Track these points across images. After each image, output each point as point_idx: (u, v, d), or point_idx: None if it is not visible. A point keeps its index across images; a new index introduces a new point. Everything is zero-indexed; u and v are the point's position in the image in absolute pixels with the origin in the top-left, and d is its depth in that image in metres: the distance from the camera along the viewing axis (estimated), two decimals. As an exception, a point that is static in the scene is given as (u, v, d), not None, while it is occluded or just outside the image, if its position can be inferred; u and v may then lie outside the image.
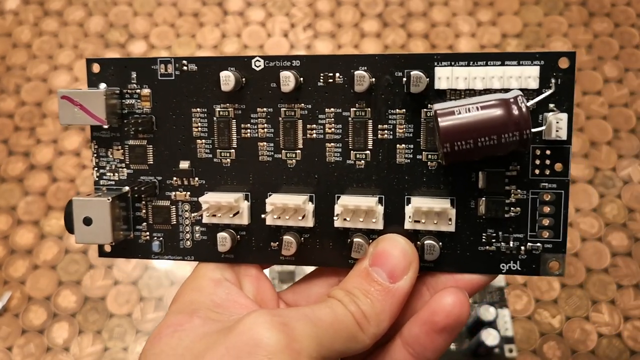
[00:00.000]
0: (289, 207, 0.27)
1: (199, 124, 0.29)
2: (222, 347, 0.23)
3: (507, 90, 0.26)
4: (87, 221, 0.28)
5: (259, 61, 0.28)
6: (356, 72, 0.26)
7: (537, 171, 0.27)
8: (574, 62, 0.26)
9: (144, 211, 0.30)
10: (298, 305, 0.29)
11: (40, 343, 0.50)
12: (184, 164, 0.29)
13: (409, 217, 0.27)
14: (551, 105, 0.26)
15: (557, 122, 0.26)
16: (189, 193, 0.29)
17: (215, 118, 0.28)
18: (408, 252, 0.27)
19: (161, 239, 0.30)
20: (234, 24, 0.64)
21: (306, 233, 0.28)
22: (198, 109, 0.29)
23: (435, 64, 0.26)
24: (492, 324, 0.45)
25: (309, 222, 0.28)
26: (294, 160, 0.28)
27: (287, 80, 0.27)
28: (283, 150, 0.28)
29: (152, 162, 0.29)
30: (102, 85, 0.29)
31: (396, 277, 0.26)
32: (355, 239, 0.27)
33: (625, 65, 0.60)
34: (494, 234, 0.27)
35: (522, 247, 0.27)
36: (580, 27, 0.63)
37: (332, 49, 0.63)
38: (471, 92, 0.26)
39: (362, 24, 0.64)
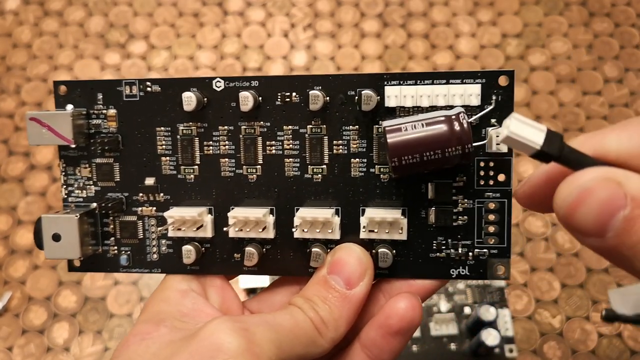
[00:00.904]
0: (250, 219, 0.29)
1: (164, 142, 0.30)
2: (185, 352, 0.24)
3: (451, 107, 0.27)
4: (56, 237, 0.29)
5: (220, 82, 0.29)
6: (311, 92, 0.28)
7: (482, 182, 0.28)
8: (513, 80, 0.27)
9: (111, 226, 0.31)
10: (261, 313, 0.30)
11: (41, 343, 0.50)
12: (150, 180, 0.30)
13: (364, 227, 0.29)
14: (493, 120, 0.28)
15: (497, 136, 0.27)
16: (154, 208, 0.30)
17: (178, 136, 0.30)
18: (363, 260, 0.28)
19: (129, 252, 0.31)
20: (234, 24, 0.64)
21: (267, 244, 0.30)
22: (162, 128, 0.30)
23: (385, 83, 0.28)
24: (492, 324, 0.45)
25: (270, 234, 0.29)
26: (254, 175, 0.30)
27: (246, 100, 0.28)
28: (244, 166, 0.30)
29: (118, 179, 0.30)
30: (69, 107, 0.30)
31: (352, 283, 0.27)
32: (313, 249, 0.29)
33: (625, 65, 0.60)
34: (444, 242, 0.29)
35: (470, 253, 0.29)
36: (580, 27, 0.63)
37: (332, 49, 0.63)
38: (418, 109, 0.28)
39: (362, 24, 0.64)
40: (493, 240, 0.29)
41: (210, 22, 0.65)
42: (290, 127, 0.29)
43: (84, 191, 0.31)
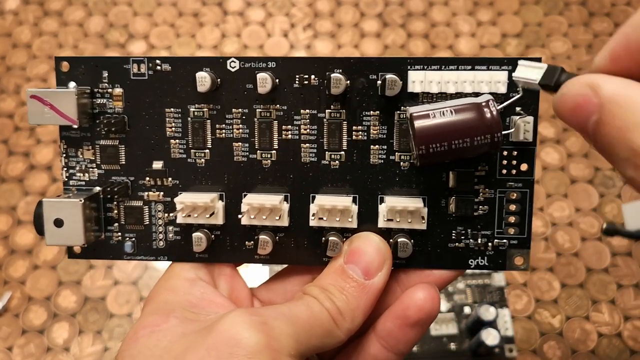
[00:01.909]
0: (265, 207, 0.28)
1: (173, 124, 0.28)
2: (202, 348, 0.23)
3: (477, 94, 0.26)
4: (59, 223, 0.27)
5: (234, 62, 0.28)
6: (333, 75, 0.27)
7: (504, 171, 0.28)
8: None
9: (115, 212, 0.29)
10: (272, 302, 0.30)
11: (41, 343, 0.50)
12: (157, 164, 0.29)
13: (383, 215, 0.28)
14: (518, 109, 0.27)
15: (525, 125, 0.27)
16: (162, 193, 0.29)
17: (189, 118, 0.28)
18: (382, 250, 0.27)
19: (133, 239, 0.29)
20: (234, 24, 0.64)
21: (281, 232, 0.29)
22: (172, 109, 0.28)
23: (409, 67, 0.27)
24: (492, 324, 0.45)
25: (285, 222, 0.28)
26: (269, 161, 0.28)
27: (264, 82, 0.27)
28: (258, 151, 0.28)
29: (124, 163, 0.29)
30: (72, 84, 0.28)
31: (371, 274, 0.27)
32: (330, 238, 0.28)
33: (625, 65, 0.60)
34: (463, 231, 0.28)
35: (490, 244, 0.28)
36: (580, 27, 0.63)
37: (332, 49, 0.63)
38: (444, 96, 0.27)
39: (362, 24, 0.64)
40: (513, 230, 0.28)
41: (210, 22, 0.65)
42: (308, 111, 0.28)
43: (87, 174, 0.29)
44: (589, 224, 0.53)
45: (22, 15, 0.65)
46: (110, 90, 0.28)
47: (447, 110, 0.25)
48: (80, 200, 0.27)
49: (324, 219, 0.28)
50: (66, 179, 0.29)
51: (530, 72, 0.23)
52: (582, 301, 0.50)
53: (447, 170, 0.28)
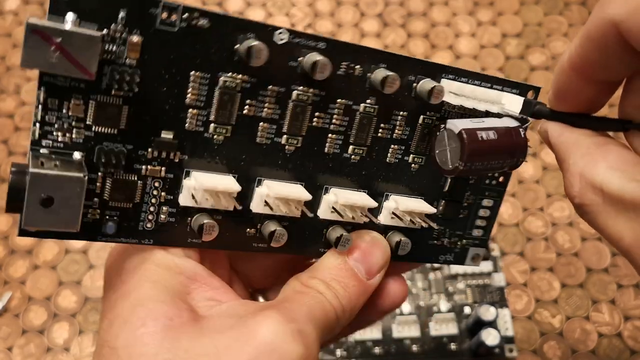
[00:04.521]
0: (291, 198, 0.26)
1: (197, 90, 0.24)
2: (241, 356, 0.22)
3: (498, 115, 0.28)
4: (47, 202, 0.21)
5: (284, 33, 0.24)
6: (389, 75, 0.26)
7: (487, 182, 0.31)
8: (537, 97, 0.29)
9: (99, 184, 0.24)
10: (249, 275, 0.31)
11: (41, 343, 0.50)
12: (167, 135, 0.24)
13: (391, 212, 0.29)
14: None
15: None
16: (164, 168, 0.25)
17: (217, 87, 0.24)
18: (387, 253, 0.28)
19: (115, 218, 0.25)
20: (234, 24, 0.64)
21: (286, 221, 0.27)
22: (199, 73, 0.24)
23: (444, 75, 0.27)
24: (492, 324, 0.45)
25: (297, 213, 0.27)
26: (293, 147, 0.26)
27: (324, 69, 0.24)
28: (284, 135, 0.26)
29: (124, 127, 0.24)
30: (70, 16, 0.21)
31: (372, 274, 0.28)
32: (343, 234, 0.27)
33: (625, 65, 0.60)
34: (444, 230, 0.31)
35: (459, 242, 0.32)
36: (580, 27, 0.63)
37: (332, 49, 0.63)
38: (473, 112, 0.28)
39: (362, 24, 0.64)
40: (477, 232, 0.32)
41: (210, 22, 0.65)
42: (344, 101, 0.26)
43: (67, 135, 0.23)
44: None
45: (22, 15, 0.65)
46: (125, 36, 0.22)
47: (491, 132, 0.26)
48: (84, 176, 0.22)
49: (342, 212, 0.27)
50: (37, 138, 0.22)
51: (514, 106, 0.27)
52: (582, 301, 0.50)
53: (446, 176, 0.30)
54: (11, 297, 0.51)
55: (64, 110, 0.22)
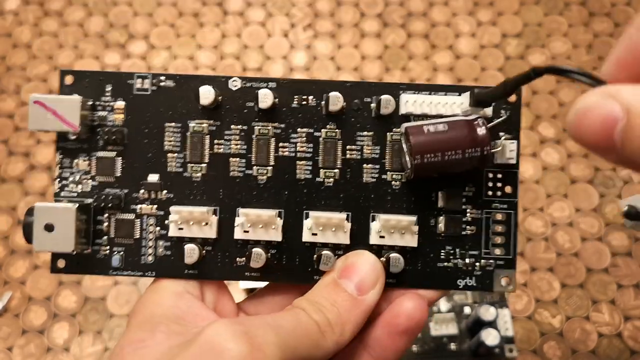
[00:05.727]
0: (261, 218, 0.28)
1: (172, 138, 0.29)
2: (188, 356, 0.23)
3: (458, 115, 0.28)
4: (49, 227, 0.27)
5: (236, 81, 0.29)
6: (331, 94, 0.28)
7: (490, 192, 0.29)
8: (520, 98, 0.29)
9: (106, 224, 0.29)
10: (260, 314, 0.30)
11: (41, 343, 0.50)
12: (153, 177, 0.29)
13: (378, 231, 0.29)
14: (501, 134, 0.29)
15: (510, 144, 0.29)
16: (155, 206, 0.29)
17: (188, 133, 0.29)
18: (377, 267, 0.28)
19: (122, 252, 0.29)
20: (234, 24, 0.64)
21: (273, 248, 0.29)
22: (172, 124, 0.29)
23: (401, 91, 0.29)
24: (492, 324, 0.45)
25: (279, 236, 0.29)
26: (264, 177, 0.29)
27: (265, 97, 0.28)
28: (254, 167, 0.29)
29: (119, 175, 0.29)
30: (76, 97, 0.29)
31: (364, 290, 0.27)
32: (323, 252, 0.28)
33: (625, 65, 0.60)
34: (452, 251, 0.29)
35: (477, 264, 0.29)
36: (580, 27, 0.63)
37: (332, 49, 0.63)
38: (434, 117, 0.28)
39: (362, 24, 0.64)
40: (499, 251, 0.29)
41: (210, 22, 0.65)
42: (305, 129, 0.29)
43: (80, 186, 0.29)
44: (589, 224, 0.53)
45: (22, 15, 0.65)
46: (112, 103, 0.29)
47: (440, 125, 0.26)
48: (75, 205, 0.28)
49: (317, 234, 0.28)
50: (58, 190, 0.30)
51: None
52: (582, 301, 0.50)
53: (437, 190, 0.29)
54: (11, 297, 0.51)
55: (75, 167, 0.30)
